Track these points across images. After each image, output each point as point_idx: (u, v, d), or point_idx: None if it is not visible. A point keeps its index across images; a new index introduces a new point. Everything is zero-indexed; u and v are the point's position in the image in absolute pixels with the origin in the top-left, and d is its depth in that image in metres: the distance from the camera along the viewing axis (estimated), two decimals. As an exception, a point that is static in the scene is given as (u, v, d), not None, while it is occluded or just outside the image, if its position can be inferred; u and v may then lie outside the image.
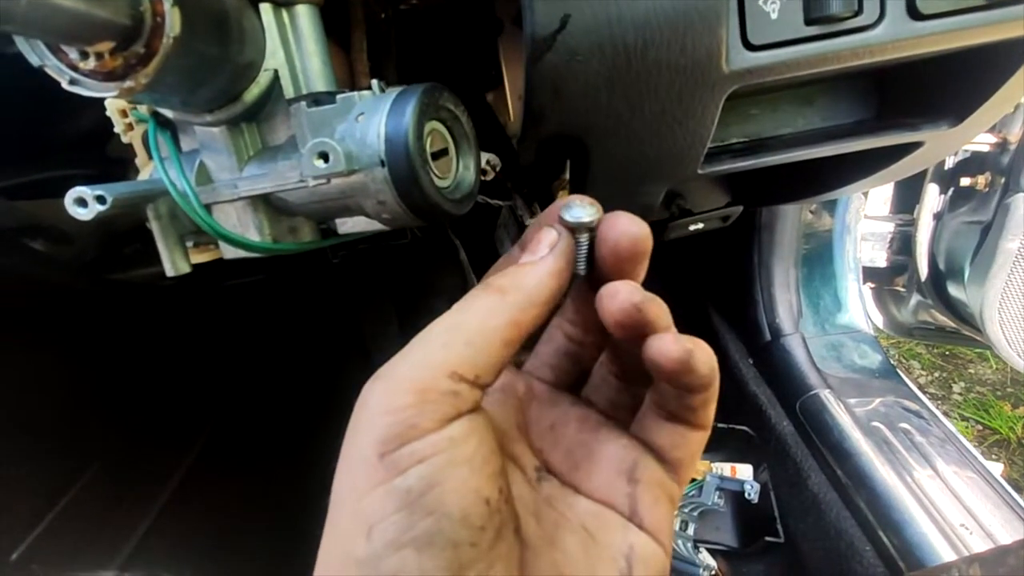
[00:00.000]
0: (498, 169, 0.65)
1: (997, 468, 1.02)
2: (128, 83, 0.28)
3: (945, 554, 0.69)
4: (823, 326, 1.05)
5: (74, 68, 0.28)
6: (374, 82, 0.36)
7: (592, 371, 0.30)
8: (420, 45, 0.66)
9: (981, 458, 0.82)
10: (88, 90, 0.28)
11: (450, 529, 0.20)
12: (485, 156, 0.63)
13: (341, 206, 0.35)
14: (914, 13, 0.38)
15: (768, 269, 1.02)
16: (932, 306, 1.03)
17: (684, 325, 0.22)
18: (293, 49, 0.38)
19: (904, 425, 0.87)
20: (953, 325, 1.02)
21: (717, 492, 0.91)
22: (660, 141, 0.43)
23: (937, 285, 0.96)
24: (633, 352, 0.25)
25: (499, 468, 0.23)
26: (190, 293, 0.74)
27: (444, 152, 0.35)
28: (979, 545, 0.71)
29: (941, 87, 0.47)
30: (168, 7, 0.27)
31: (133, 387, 0.72)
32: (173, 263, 0.40)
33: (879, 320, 1.15)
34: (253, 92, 0.37)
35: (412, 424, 0.21)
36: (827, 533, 0.81)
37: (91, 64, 0.28)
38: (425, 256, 1.27)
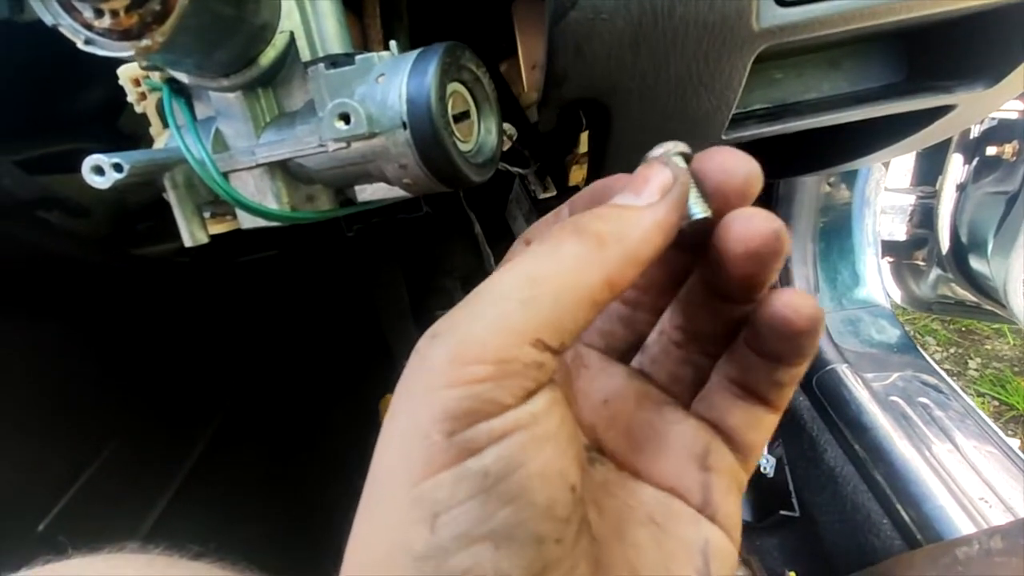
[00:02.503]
0: (514, 139, 0.64)
1: (1014, 444, 1.01)
2: (144, 42, 0.27)
3: (964, 527, 0.69)
4: (840, 301, 1.03)
5: (88, 27, 0.28)
6: (393, 43, 0.35)
7: (647, 339, 0.26)
8: (432, 13, 0.65)
9: (1000, 432, 0.81)
10: (103, 49, 0.28)
11: (534, 521, 0.16)
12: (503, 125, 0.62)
13: (361, 171, 0.35)
14: (954, -36, 0.36)
15: (785, 243, 1.00)
16: (952, 280, 1.01)
17: None
18: (308, 10, 0.37)
19: (922, 399, 0.86)
20: (973, 299, 1.00)
21: (732, 466, 0.91)
22: (685, 104, 0.42)
23: (959, 258, 0.94)
24: (714, 311, 0.22)
25: (580, 449, 0.19)
26: (205, 270, 0.74)
27: (466, 115, 0.34)
28: (999, 518, 0.70)
29: (974, 47, 0.45)
30: (184, -37, 0.26)
31: (152, 363, 0.72)
32: (191, 233, 0.39)
33: (897, 295, 1.13)
34: (269, 55, 0.36)
35: (490, 399, 0.17)
36: (843, 507, 0.81)
37: (106, 22, 0.27)
38: (438, 231, 1.26)
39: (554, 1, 0.35)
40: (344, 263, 1.18)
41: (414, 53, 0.32)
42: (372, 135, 0.30)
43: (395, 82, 0.31)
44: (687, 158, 0.21)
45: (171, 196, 0.39)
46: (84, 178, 0.35)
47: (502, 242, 1.06)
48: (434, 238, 1.29)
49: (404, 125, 0.30)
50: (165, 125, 0.42)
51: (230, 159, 0.37)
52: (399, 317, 1.24)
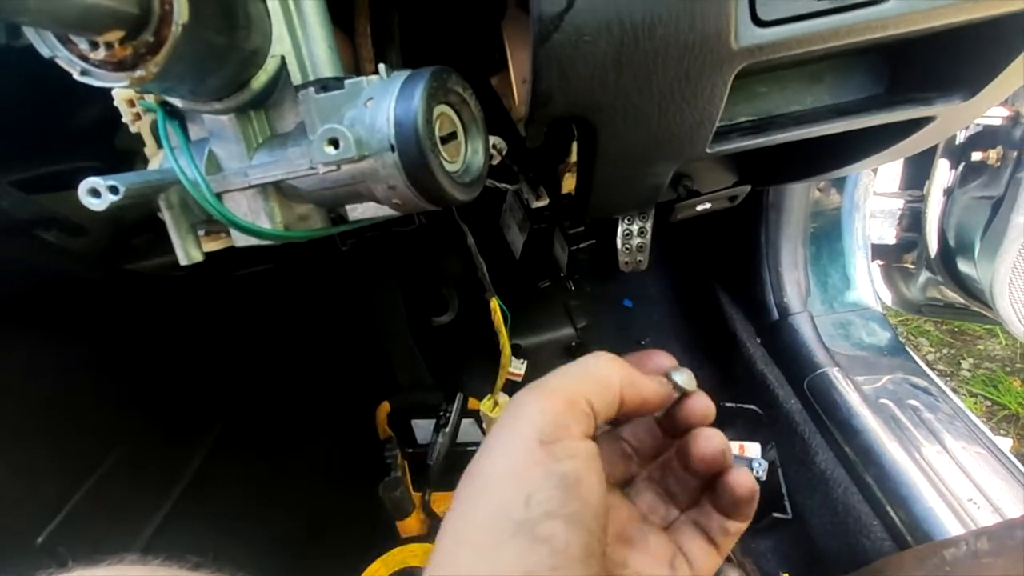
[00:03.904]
0: (504, 153, 0.65)
1: (1006, 443, 1.02)
2: (139, 72, 0.28)
3: (953, 528, 0.70)
4: (831, 304, 1.04)
5: (84, 58, 0.28)
6: (381, 66, 0.36)
7: (636, 479, 0.35)
8: (423, 30, 0.66)
9: (990, 433, 0.82)
10: (99, 80, 0.28)
11: (589, 517, 0.24)
12: (491, 140, 0.63)
13: (351, 192, 0.36)
14: (928, -15, 0.37)
15: (776, 248, 1.02)
16: (941, 282, 1.02)
17: (692, 304, 0.23)
18: (299, 34, 0.38)
19: (912, 402, 0.87)
20: (962, 302, 1.01)
21: (725, 470, 0.92)
22: (668, 121, 0.43)
23: (947, 261, 0.95)
24: (682, 478, 0.33)
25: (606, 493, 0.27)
26: (201, 282, 0.75)
27: (453, 136, 0.35)
28: (988, 519, 0.71)
29: (953, 60, 0.46)
30: (177, 3, 0.27)
31: (150, 375, 0.73)
32: (186, 252, 0.40)
33: (888, 297, 1.14)
34: (260, 79, 0.37)
35: (565, 425, 0.26)
36: (835, 509, 0.82)
37: (101, 54, 0.28)
38: (432, 242, 1.27)
39: (538, 23, 0.36)
40: (340, 274, 1.18)
41: (402, 77, 0.33)
42: (361, 158, 0.31)
43: (383, 106, 0.32)
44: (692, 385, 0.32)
45: (166, 216, 0.40)
46: (80, 200, 0.36)
47: (497, 251, 1.07)
48: (430, 248, 1.30)
49: (392, 148, 0.31)
50: (159, 146, 0.43)
51: (223, 180, 0.38)
52: (396, 326, 1.24)
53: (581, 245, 1.05)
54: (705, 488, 0.33)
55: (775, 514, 0.90)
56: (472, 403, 1.09)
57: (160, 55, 0.28)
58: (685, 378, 0.32)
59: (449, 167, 0.34)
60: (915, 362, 0.95)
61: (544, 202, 0.91)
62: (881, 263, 1.12)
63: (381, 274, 1.18)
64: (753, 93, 0.55)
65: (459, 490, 0.26)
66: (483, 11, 0.68)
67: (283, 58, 0.37)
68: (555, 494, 0.24)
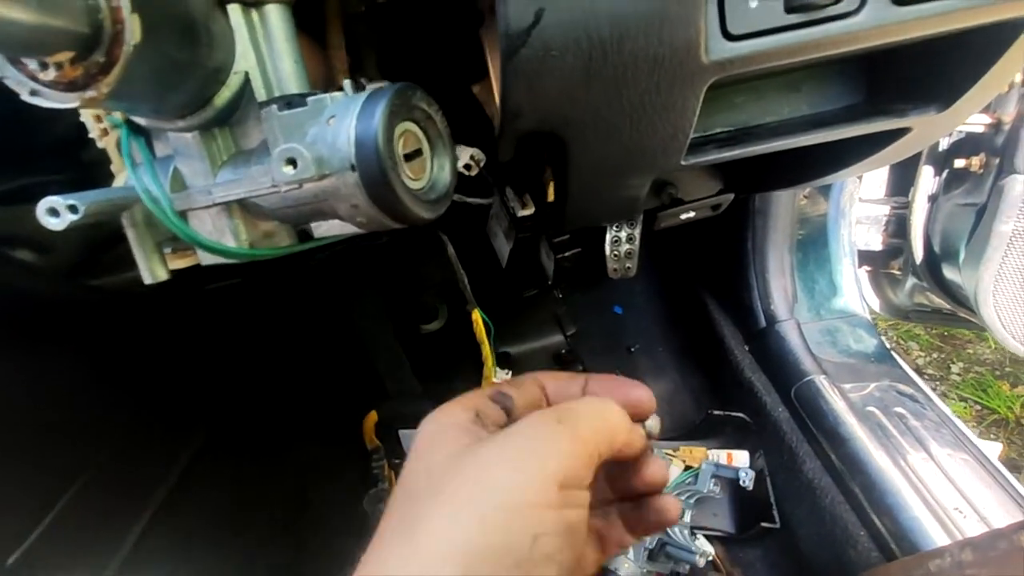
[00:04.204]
0: (482, 164, 0.64)
1: (996, 448, 1.02)
2: (90, 93, 0.28)
3: (939, 538, 0.69)
4: (818, 311, 1.04)
5: (34, 78, 0.28)
6: (346, 83, 0.36)
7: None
8: (401, 38, 0.66)
9: (976, 440, 0.82)
10: (49, 101, 0.28)
11: (580, 568, 0.28)
12: (469, 151, 0.63)
13: (315, 210, 0.35)
14: (896, -2, 0.37)
15: (762, 255, 1.01)
16: (928, 288, 1.02)
17: (681, 311, 0.23)
18: (264, 50, 0.37)
19: (899, 409, 0.87)
20: (949, 307, 1.01)
21: (712, 479, 0.92)
22: (640, 134, 0.43)
23: (932, 268, 0.95)
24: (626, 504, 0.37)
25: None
26: (174, 297, 0.74)
27: (418, 153, 0.35)
28: (973, 528, 0.71)
29: (928, 72, 0.46)
30: (127, 14, 0.27)
31: (124, 392, 0.72)
32: (151, 270, 0.39)
33: (875, 303, 1.14)
34: (224, 96, 0.36)
35: (584, 476, 0.28)
36: (822, 518, 0.82)
37: (51, 75, 0.27)
38: (420, 250, 1.26)
39: (505, 38, 0.36)
40: (320, 284, 1.18)
41: (365, 94, 0.33)
42: (322, 177, 0.31)
43: (344, 124, 0.31)
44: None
45: (130, 234, 0.39)
46: (39, 219, 0.35)
47: (486, 257, 1.06)
48: (419, 256, 1.29)
49: (353, 167, 0.30)
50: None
51: (187, 198, 0.37)
52: (380, 335, 1.24)
53: (567, 253, 1.05)
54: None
55: (763, 524, 0.89)
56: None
57: (112, 75, 0.27)
58: (655, 424, 0.34)
59: (413, 184, 0.33)
60: (902, 369, 0.95)
61: (530, 211, 0.91)
62: (868, 269, 1.12)
63: (361, 283, 1.17)
64: (730, 103, 0.55)
65: (455, 487, 0.26)
66: (461, 19, 0.67)
67: (247, 74, 0.36)
68: (558, 541, 0.26)
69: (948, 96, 0.46)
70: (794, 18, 0.37)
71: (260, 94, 0.37)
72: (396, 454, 1.12)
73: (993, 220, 0.77)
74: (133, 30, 0.27)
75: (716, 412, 1.05)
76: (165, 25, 0.30)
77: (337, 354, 1.25)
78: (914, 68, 0.47)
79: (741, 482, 0.88)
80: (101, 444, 0.67)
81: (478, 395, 0.34)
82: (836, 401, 0.87)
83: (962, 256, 0.87)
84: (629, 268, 0.96)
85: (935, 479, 0.76)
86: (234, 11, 0.36)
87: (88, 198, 0.35)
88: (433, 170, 0.36)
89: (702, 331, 1.19)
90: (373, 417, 1.12)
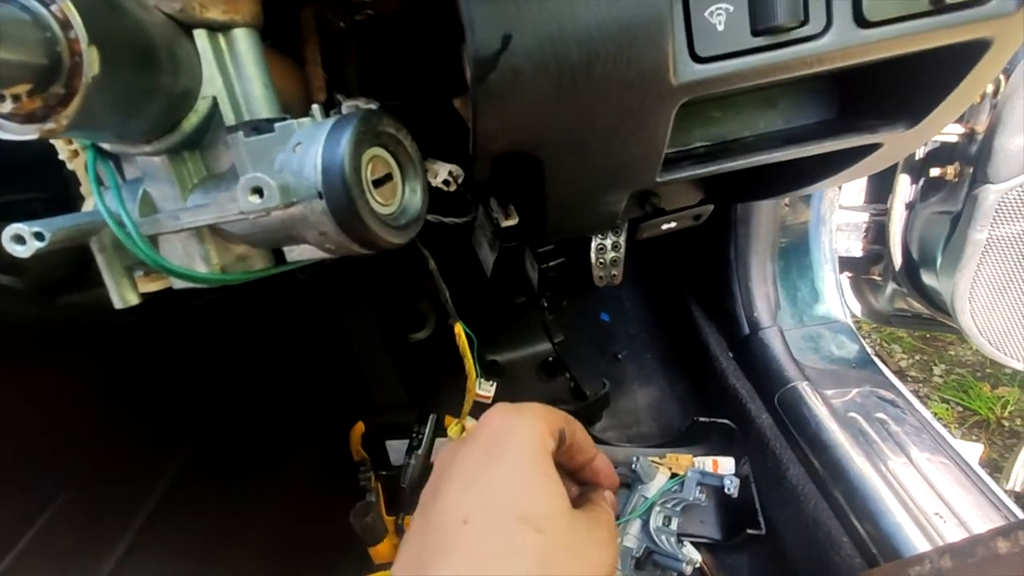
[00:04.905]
0: (460, 180, 0.64)
1: (977, 449, 1.04)
2: (49, 125, 0.27)
3: (919, 543, 0.70)
4: (801, 318, 1.05)
5: (-9, 111, 0.28)
6: (315, 107, 0.36)
7: None
8: (381, 53, 0.65)
9: (956, 444, 0.83)
10: (7, 133, 0.27)
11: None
12: (448, 167, 0.63)
13: (285, 236, 0.35)
14: (861, 21, 0.38)
15: (745, 263, 1.02)
16: (907, 293, 1.04)
17: (667, 317, 0.23)
18: (232, 74, 0.37)
19: (880, 415, 0.88)
20: (928, 312, 1.02)
21: (698, 487, 0.92)
22: (614, 154, 0.43)
23: (911, 274, 0.96)
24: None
25: None
26: (157, 311, 0.73)
27: (388, 177, 0.35)
28: (953, 533, 0.71)
29: (896, 89, 0.47)
30: (85, 47, 0.27)
31: (103, 410, 0.71)
32: (121, 295, 0.39)
33: (857, 309, 1.16)
34: (192, 121, 0.36)
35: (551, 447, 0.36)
36: (806, 524, 0.82)
37: (8, 107, 0.27)
38: (404, 257, 1.26)
39: (474, 63, 0.36)
40: (310, 291, 1.17)
41: (331, 120, 0.33)
42: (289, 205, 0.30)
43: (311, 151, 0.31)
44: None
45: (99, 259, 0.39)
46: (4, 247, 0.35)
47: (469, 268, 1.06)
48: (405, 264, 1.29)
49: (320, 195, 0.30)
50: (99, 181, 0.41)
51: (155, 223, 0.37)
52: (370, 345, 1.23)
53: (551, 263, 1.05)
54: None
55: (749, 530, 0.89)
56: (448, 420, 1.08)
57: (71, 107, 0.27)
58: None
59: (383, 210, 0.33)
60: (883, 374, 0.96)
61: (513, 221, 0.91)
62: (850, 275, 1.13)
63: (353, 292, 1.17)
64: (708, 118, 0.55)
65: (466, 480, 0.31)
66: (441, 34, 0.67)
67: (215, 99, 0.36)
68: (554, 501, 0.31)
69: (916, 113, 0.47)
70: (760, 40, 0.38)
71: (229, 118, 0.37)
72: (383, 465, 1.11)
73: (968, 228, 0.78)
74: (91, 62, 0.27)
75: (702, 419, 1.05)
76: (126, 54, 0.30)
77: (325, 363, 1.24)
78: (883, 86, 0.48)
79: (726, 490, 0.88)
80: (83, 461, 0.66)
81: (559, 419, 0.39)
82: (818, 407, 0.88)
83: (939, 263, 0.88)
84: (615, 275, 0.96)
85: (916, 484, 0.77)
86: (200, 36, 0.35)
87: (55, 224, 0.35)
88: (404, 194, 0.36)
89: (687, 338, 1.19)
90: (360, 428, 1.11)
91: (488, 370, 1.29)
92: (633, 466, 0.97)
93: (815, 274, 1.06)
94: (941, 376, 1.55)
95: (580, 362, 1.37)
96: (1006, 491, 0.94)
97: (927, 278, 0.94)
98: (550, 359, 1.39)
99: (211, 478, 0.87)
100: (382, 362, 1.25)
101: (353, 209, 0.30)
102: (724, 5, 0.37)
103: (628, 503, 0.96)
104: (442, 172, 0.59)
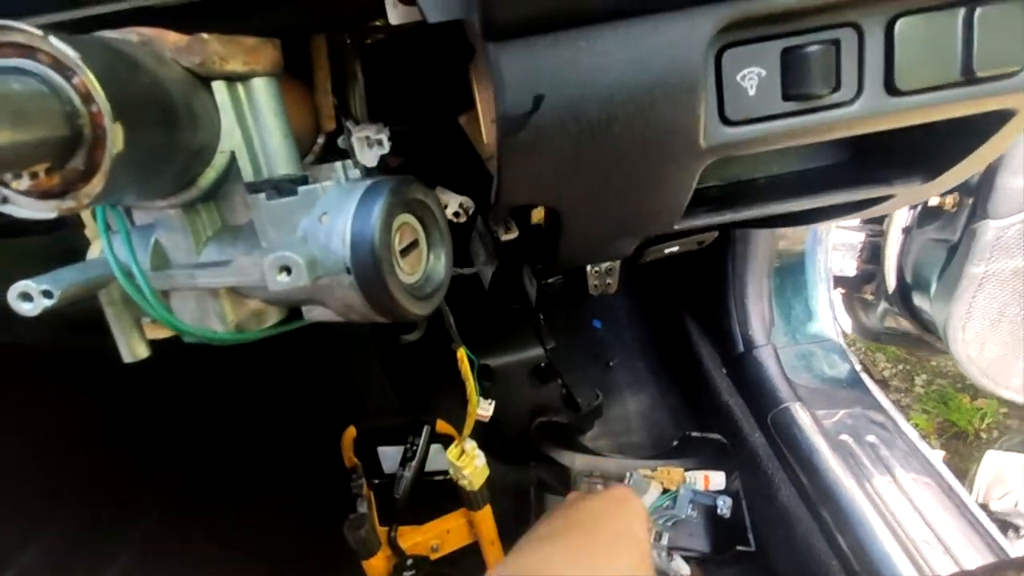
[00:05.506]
0: (471, 211, 0.63)
1: (939, 455, 1.07)
2: (68, 203, 0.26)
3: (907, 571, 0.72)
4: (794, 336, 1.06)
5: (5, 185, 0.26)
6: (339, 167, 0.35)
7: None
8: (388, 74, 0.64)
9: (943, 469, 0.85)
10: (23, 210, 0.26)
11: None
12: (458, 199, 0.61)
13: (307, 299, 0.34)
14: (891, 89, 0.37)
15: (742, 281, 1.03)
16: (898, 313, 1.05)
17: (660, 329, 0.22)
18: (250, 126, 0.35)
19: (870, 438, 0.89)
20: (917, 332, 1.04)
21: (690, 504, 0.93)
22: (633, 207, 0.43)
23: (904, 296, 0.98)
24: None
25: None
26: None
27: (414, 244, 0.34)
28: (939, 561, 0.73)
29: (915, 147, 0.47)
30: (109, 123, 0.25)
31: (81, 453, 0.69)
32: (131, 349, 0.38)
33: (848, 324, 1.17)
34: (209, 176, 0.35)
35: None
36: (796, 546, 0.84)
37: (24, 184, 0.26)
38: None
39: (502, 121, 0.35)
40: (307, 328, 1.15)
41: (359, 188, 0.31)
42: (316, 279, 0.30)
43: (339, 224, 0.30)
44: None
45: (108, 313, 0.37)
46: (10, 305, 0.33)
47: (467, 278, 1.05)
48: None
49: (348, 270, 0.29)
50: (107, 228, 0.40)
51: (168, 279, 0.36)
52: (363, 350, 1.22)
53: (550, 280, 1.05)
54: None
55: (739, 547, 0.91)
56: (441, 425, 1.07)
57: (93, 184, 0.26)
58: None
59: (408, 279, 0.32)
60: (872, 395, 0.97)
61: (513, 235, 0.90)
62: (842, 291, 1.14)
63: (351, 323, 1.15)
64: (724, 159, 0.55)
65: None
66: (451, 54, 0.66)
67: (232, 153, 0.35)
68: None
69: (933, 170, 0.47)
70: (791, 105, 0.37)
71: (247, 173, 0.35)
72: (375, 473, 1.10)
73: (965, 262, 0.79)
74: (116, 138, 0.26)
75: (694, 434, 1.06)
76: (146, 117, 0.28)
77: (315, 368, 1.23)
78: (901, 142, 0.47)
79: (719, 510, 0.90)
80: (56, 513, 0.64)
81: None
82: (811, 429, 0.90)
83: (933, 288, 0.89)
84: (610, 284, 0.96)
85: (904, 510, 0.79)
86: (219, 89, 0.34)
87: (64, 280, 0.34)
88: (428, 262, 0.35)
89: (681, 350, 1.20)
90: (352, 433, 1.10)
91: (480, 374, 1.29)
92: (626, 481, 0.98)
93: (810, 293, 1.07)
94: (922, 387, 1.59)
95: (572, 368, 1.38)
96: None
97: (919, 301, 0.95)
98: (542, 365, 1.39)
99: (205, 497, 0.86)
100: (373, 366, 1.24)
101: (382, 286, 0.29)
102: (757, 69, 0.37)
103: (620, 517, 0.98)
104: (452, 204, 0.58)
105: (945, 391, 1.55)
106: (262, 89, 0.36)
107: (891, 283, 0.99)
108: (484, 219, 0.97)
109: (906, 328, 1.08)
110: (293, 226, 0.32)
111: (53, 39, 0.24)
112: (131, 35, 0.32)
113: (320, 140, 0.57)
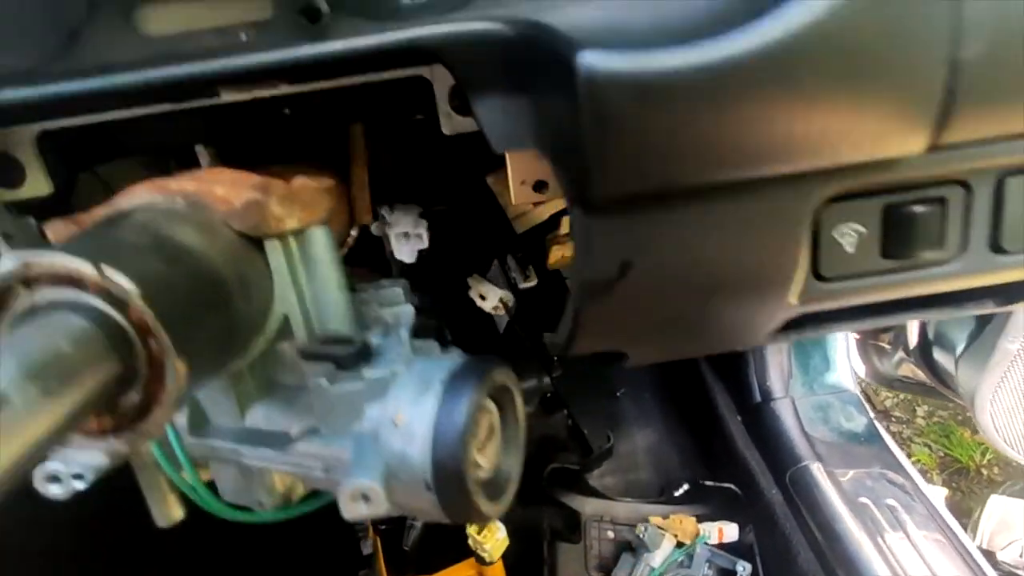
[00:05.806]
0: (511, 305, 0.60)
1: (942, 492, 1.07)
2: (121, 447, 0.22)
3: (930, 650, 0.71)
4: (811, 386, 1.05)
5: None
6: (403, 334, 0.31)
7: None
8: (423, 153, 0.60)
9: (963, 536, 0.85)
10: (69, 465, 0.23)
11: None
12: (499, 293, 0.58)
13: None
14: (997, 248, 0.35)
15: (761, 331, 1.01)
16: (913, 362, 1.04)
17: (669, 366, 0.20)
18: (304, 283, 0.32)
19: (890, 501, 0.89)
20: (931, 383, 1.03)
21: (707, 563, 0.92)
22: (706, 345, 0.40)
23: (924, 352, 0.97)
24: None
25: None
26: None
27: (489, 433, 0.31)
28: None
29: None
30: (171, 361, 0.22)
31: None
32: (164, 513, 0.34)
33: (862, 370, 1.16)
34: (260, 344, 0.31)
35: None
36: (815, 613, 0.83)
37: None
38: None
39: (581, 287, 0.32)
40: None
41: (436, 382, 0.28)
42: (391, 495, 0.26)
43: (417, 432, 0.27)
44: None
45: (140, 476, 0.34)
46: (35, 486, 0.30)
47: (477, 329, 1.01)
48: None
49: (428, 487, 0.26)
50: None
51: (209, 449, 0.32)
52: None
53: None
54: None
55: (754, 605, 0.91)
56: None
57: (150, 422, 0.22)
58: None
59: (483, 475, 0.29)
60: (891, 452, 0.97)
61: (532, 283, 0.87)
62: (857, 337, 1.13)
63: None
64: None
65: None
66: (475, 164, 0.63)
67: (285, 316, 0.31)
68: None
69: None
70: (890, 263, 0.35)
71: (300, 334, 0.32)
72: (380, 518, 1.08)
73: (999, 336, 0.78)
74: (178, 374, 0.22)
75: (707, 483, 1.05)
76: (204, 328, 0.25)
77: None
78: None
79: (739, 574, 0.89)
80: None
81: None
82: (831, 492, 0.89)
83: (959, 350, 0.88)
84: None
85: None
86: (273, 250, 0.30)
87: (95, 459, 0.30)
88: (500, 457, 0.31)
89: (692, 390, 1.18)
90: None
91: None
92: (640, 534, 0.97)
93: (828, 342, 1.06)
94: (924, 418, 1.60)
95: (578, 397, 1.36)
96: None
97: (941, 358, 0.94)
98: (548, 395, 1.37)
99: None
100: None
101: (466, 502, 0.26)
102: (856, 227, 0.34)
103: (634, 571, 0.96)
104: (492, 297, 0.55)
105: (947, 424, 1.56)
106: (318, 240, 0.32)
107: (913, 338, 0.98)
108: (501, 263, 0.94)
109: (921, 379, 1.07)
110: (358, 413, 0.29)
111: (108, 270, 0.21)
112: (177, 199, 0.28)
113: (354, 232, 0.53)
